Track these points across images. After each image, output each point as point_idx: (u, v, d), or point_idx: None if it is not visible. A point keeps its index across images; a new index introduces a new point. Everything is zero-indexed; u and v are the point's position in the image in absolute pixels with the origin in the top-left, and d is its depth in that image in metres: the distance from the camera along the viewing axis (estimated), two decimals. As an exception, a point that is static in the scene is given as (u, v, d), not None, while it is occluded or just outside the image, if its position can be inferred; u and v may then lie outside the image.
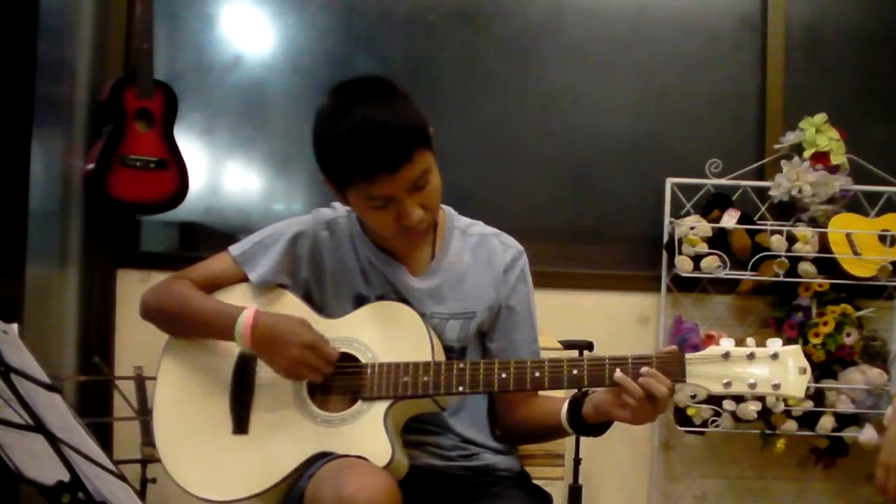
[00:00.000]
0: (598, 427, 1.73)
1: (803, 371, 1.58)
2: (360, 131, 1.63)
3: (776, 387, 1.57)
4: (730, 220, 3.20)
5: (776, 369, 1.58)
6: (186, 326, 1.81)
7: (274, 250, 1.82)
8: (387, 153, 1.61)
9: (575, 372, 1.64)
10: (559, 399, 1.77)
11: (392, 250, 1.82)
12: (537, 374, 1.66)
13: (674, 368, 1.60)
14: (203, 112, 3.35)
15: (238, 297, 1.82)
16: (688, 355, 1.61)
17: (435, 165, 1.71)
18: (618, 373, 1.61)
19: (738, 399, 3.05)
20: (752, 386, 1.58)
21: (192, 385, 1.80)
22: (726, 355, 1.60)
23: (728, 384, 1.59)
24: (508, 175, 3.42)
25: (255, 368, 1.78)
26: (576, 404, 1.72)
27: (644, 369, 1.59)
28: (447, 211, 1.89)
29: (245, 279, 1.83)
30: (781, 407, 3.10)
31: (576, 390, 1.73)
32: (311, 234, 1.84)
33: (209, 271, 1.85)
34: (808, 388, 1.62)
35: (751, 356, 1.59)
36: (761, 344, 1.61)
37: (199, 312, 1.78)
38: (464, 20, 3.43)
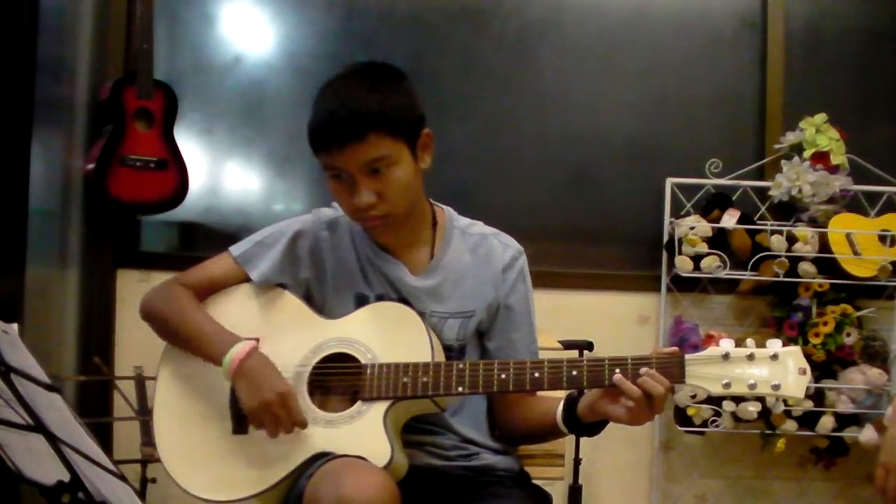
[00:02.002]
0: (593, 426, 1.72)
1: (803, 372, 1.58)
2: (326, 102, 1.71)
3: (776, 387, 1.57)
4: (730, 220, 3.19)
5: (776, 370, 1.58)
6: (181, 340, 1.81)
7: (275, 250, 1.82)
8: (340, 127, 1.66)
9: (574, 373, 1.64)
10: (556, 399, 1.76)
11: (391, 249, 1.82)
12: (536, 374, 1.66)
13: (673, 369, 1.60)
14: (203, 112, 3.34)
15: (239, 298, 1.83)
16: (687, 356, 1.61)
17: (407, 161, 1.72)
18: (616, 375, 1.60)
19: (738, 399, 3.05)
20: (752, 387, 1.58)
21: (192, 385, 1.80)
22: (726, 356, 1.60)
23: (727, 385, 1.59)
24: (508, 175, 3.42)
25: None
26: (571, 403, 1.72)
27: (643, 370, 1.59)
28: (447, 211, 1.90)
29: (246, 279, 1.83)
30: (781, 407, 3.10)
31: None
32: (311, 233, 1.84)
33: (210, 272, 1.86)
34: (807, 388, 1.61)
35: (750, 357, 1.59)
36: (761, 345, 1.60)
37: (195, 331, 1.77)
38: (464, 20, 3.42)
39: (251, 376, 1.69)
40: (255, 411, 1.69)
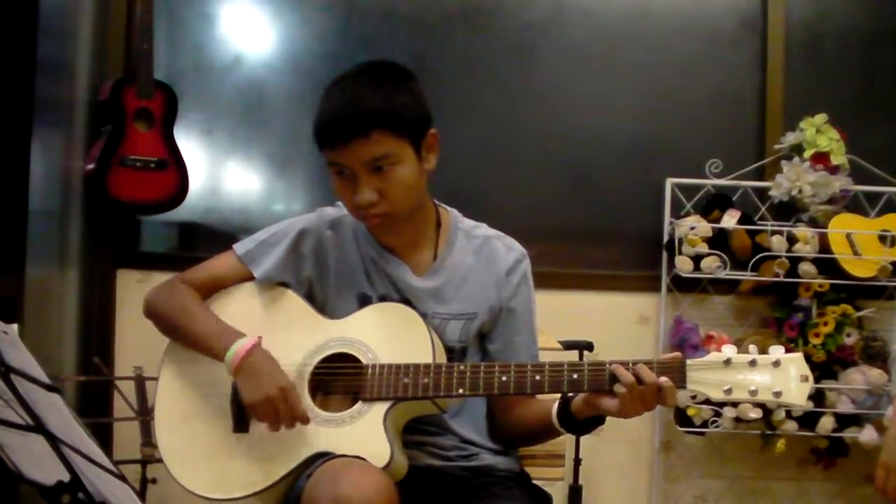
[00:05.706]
0: (586, 423, 1.72)
1: (805, 379, 1.58)
2: (333, 99, 1.72)
3: (777, 394, 1.57)
4: (730, 220, 3.20)
5: (778, 377, 1.57)
6: (184, 337, 1.81)
7: (278, 249, 1.82)
8: (345, 123, 1.68)
9: (575, 376, 1.64)
10: (551, 400, 1.76)
11: (395, 249, 1.82)
12: (538, 377, 1.66)
13: (674, 374, 1.60)
14: (203, 112, 3.34)
15: (241, 297, 1.83)
16: (689, 361, 1.61)
17: (411, 160, 1.72)
18: (614, 364, 1.61)
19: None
20: (754, 393, 1.57)
21: (193, 384, 1.81)
22: (727, 362, 1.59)
23: (729, 391, 1.58)
24: (508, 175, 3.42)
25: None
26: (567, 401, 1.72)
27: (639, 365, 1.60)
28: (451, 212, 1.90)
29: (249, 277, 1.83)
30: (783, 410, 3.10)
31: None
32: (315, 232, 1.84)
33: (214, 271, 1.86)
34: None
35: (752, 363, 1.59)
36: (763, 351, 1.60)
37: (200, 330, 1.78)
38: (464, 20, 3.42)
39: (253, 371, 1.69)
40: (256, 405, 1.69)
